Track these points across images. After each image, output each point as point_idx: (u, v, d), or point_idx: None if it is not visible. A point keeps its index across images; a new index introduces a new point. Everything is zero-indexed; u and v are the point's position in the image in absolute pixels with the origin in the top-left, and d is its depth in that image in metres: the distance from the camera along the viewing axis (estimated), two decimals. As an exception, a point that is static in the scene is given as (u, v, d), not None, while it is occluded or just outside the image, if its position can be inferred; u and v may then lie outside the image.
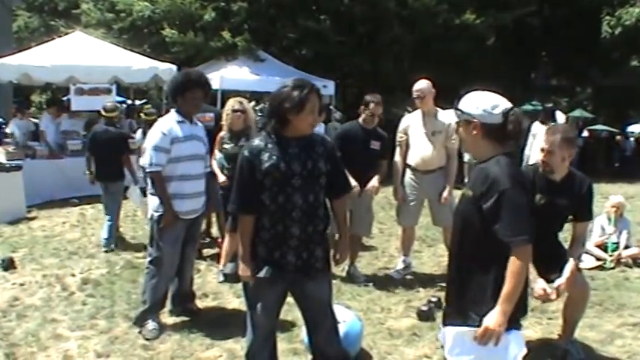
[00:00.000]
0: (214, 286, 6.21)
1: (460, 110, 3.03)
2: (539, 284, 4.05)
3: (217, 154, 6.41)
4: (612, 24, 18.59)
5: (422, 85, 6.22)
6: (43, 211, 9.84)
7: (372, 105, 6.27)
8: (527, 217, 2.86)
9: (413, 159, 6.30)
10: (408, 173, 6.37)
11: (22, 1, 29.44)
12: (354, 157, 5.74)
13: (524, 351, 2.97)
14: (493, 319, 2.82)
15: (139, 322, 5.00)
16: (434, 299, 5.44)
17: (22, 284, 6.20)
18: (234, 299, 5.74)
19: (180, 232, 4.99)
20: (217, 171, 6.32)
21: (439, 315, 4.79)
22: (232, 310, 5.47)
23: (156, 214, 4.91)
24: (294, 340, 4.67)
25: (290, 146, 3.47)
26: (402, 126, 6.46)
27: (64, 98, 14.52)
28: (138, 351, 4.65)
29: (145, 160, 4.97)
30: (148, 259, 5.09)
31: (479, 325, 2.86)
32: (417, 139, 6.22)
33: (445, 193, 6.24)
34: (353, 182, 5.81)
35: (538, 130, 10.76)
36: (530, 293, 3.68)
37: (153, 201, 4.95)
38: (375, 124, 6.35)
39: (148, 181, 5.02)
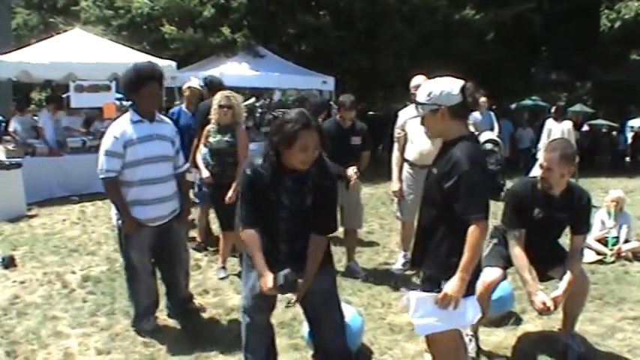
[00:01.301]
0: (215, 282, 6.21)
1: (423, 103, 3.21)
2: (539, 297, 4.09)
3: (202, 149, 6.34)
4: (611, 18, 18.57)
5: (419, 80, 6.20)
6: (44, 209, 9.84)
7: (342, 110, 6.43)
8: (483, 196, 3.12)
9: (411, 154, 6.29)
10: (407, 168, 6.37)
11: (21, -2, 29.42)
12: (337, 155, 5.81)
13: (479, 315, 3.31)
14: (452, 286, 3.10)
15: (135, 325, 4.97)
16: None
17: (22, 282, 6.20)
18: (234, 295, 5.74)
19: (146, 239, 4.74)
20: (201, 166, 6.27)
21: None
22: (233, 306, 5.46)
23: (119, 222, 4.69)
24: (294, 335, 4.68)
25: (284, 177, 3.46)
26: (399, 122, 6.45)
27: (64, 95, 14.53)
28: (139, 348, 4.66)
29: (98, 166, 4.60)
30: (124, 270, 5.03)
31: (439, 291, 3.14)
32: (414, 134, 6.21)
33: None
34: (350, 170, 5.90)
35: (552, 125, 10.86)
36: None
37: (114, 208, 4.72)
38: (353, 120, 6.45)
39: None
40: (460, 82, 3.21)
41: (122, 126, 4.58)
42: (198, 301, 5.52)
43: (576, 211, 4.30)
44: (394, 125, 6.57)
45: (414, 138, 6.21)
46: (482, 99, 11.82)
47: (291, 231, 3.57)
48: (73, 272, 6.49)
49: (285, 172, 3.44)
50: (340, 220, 6.33)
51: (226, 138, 6.14)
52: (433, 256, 3.25)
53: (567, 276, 4.20)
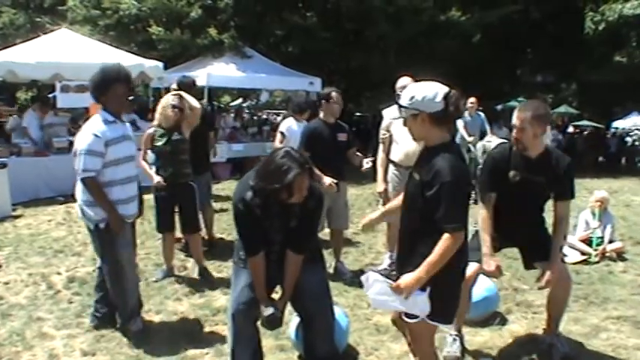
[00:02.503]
0: (201, 283, 6.20)
1: (405, 107, 3.23)
2: (493, 259, 4.24)
3: (150, 154, 6.20)
4: (596, 20, 18.71)
5: (404, 81, 6.21)
6: (29, 209, 9.79)
7: (334, 94, 6.35)
8: (462, 207, 3.19)
9: (396, 155, 6.30)
10: (392, 169, 6.37)
11: (7, -3, 29.25)
12: (326, 154, 5.89)
13: (427, 312, 3.28)
14: (407, 281, 3.21)
15: (123, 327, 4.91)
16: None
17: (6, 283, 6.17)
18: (220, 296, 5.74)
19: (129, 234, 4.80)
20: (150, 171, 6.12)
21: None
22: (219, 307, 5.46)
23: (101, 225, 4.60)
24: (280, 336, 4.67)
25: (273, 205, 3.57)
26: (384, 123, 6.45)
27: (50, 95, 14.45)
28: (124, 349, 4.64)
29: (77, 166, 4.52)
30: (105, 270, 4.82)
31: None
32: (399, 135, 6.22)
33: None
34: (327, 181, 5.91)
35: None
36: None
37: (89, 211, 4.61)
38: (337, 117, 6.45)
39: (79, 192, 4.65)
40: (444, 90, 3.20)
41: (100, 125, 4.54)
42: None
43: (555, 175, 4.24)
44: (379, 126, 6.59)
45: (399, 139, 6.22)
46: (472, 99, 11.86)
47: (283, 247, 3.75)
48: (59, 273, 6.46)
49: (273, 200, 3.52)
50: (327, 221, 6.36)
51: (174, 137, 6.03)
52: (414, 259, 3.26)
53: (555, 248, 4.24)
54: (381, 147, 6.48)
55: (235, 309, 3.77)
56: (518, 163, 4.28)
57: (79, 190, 4.64)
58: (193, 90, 7.14)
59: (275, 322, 3.68)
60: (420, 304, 3.27)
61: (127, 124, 4.92)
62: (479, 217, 4.38)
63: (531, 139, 4.17)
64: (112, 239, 4.63)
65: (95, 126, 4.55)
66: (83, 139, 4.53)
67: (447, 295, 3.34)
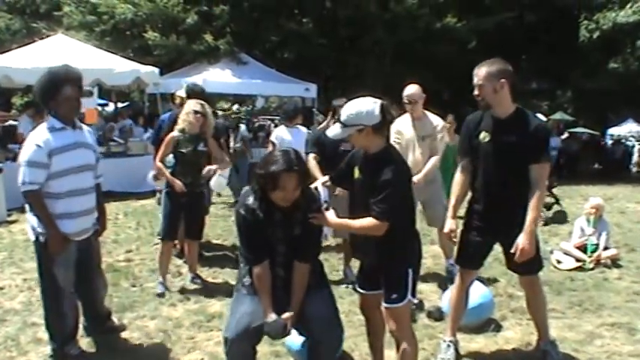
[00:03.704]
0: (196, 289, 6.20)
1: (350, 125, 3.53)
2: (452, 222, 4.44)
3: (170, 158, 6.06)
4: (590, 28, 18.79)
5: (412, 90, 6.22)
6: (24, 215, 9.71)
7: (340, 110, 6.30)
8: (394, 204, 3.48)
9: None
10: None
11: (3, 2, 29.26)
12: (328, 163, 5.84)
13: None
14: (323, 217, 3.67)
15: (57, 357, 4.53)
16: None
17: (1, 288, 6.16)
18: (215, 302, 5.74)
19: (72, 255, 4.39)
20: (170, 176, 5.99)
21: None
22: (214, 313, 5.46)
23: (42, 237, 4.26)
24: (275, 342, 4.67)
25: (275, 212, 3.58)
26: (394, 128, 6.33)
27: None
28: (119, 354, 4.64)
29: (19, 178, 4.16)
30: (42, 290, 4.51)
31: None
32: (407, 143, 6.24)
33: (415, 178, 6.17)
34: (320, 180, 5.93)
35: None
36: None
37: (33, 221, 4.30)
38: None
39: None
40: (379, 102, 3.55)
41: (44, 134, 4.18)
42: (114, 320, 5.14)
43: (527, 136, 4.10)
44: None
45: (406, 148, 6.24)
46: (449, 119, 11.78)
47: (287, 259, 3.71)
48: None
49: (275, 207, 3.54)
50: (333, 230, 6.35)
51: (200, 148, 6.04)
52: (368, 244, 3.76)
53: (530, 216, 4.10)
54: None
55: (231, 337, 3.63)
56: (489, 125, 4.26)
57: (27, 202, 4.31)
58: (202, 98, 7.16)
59: (279, 331, 3.61)
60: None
61: (85, 130, 4.56)
62: (453, 183, 4.55)
63: (491, 94, 4.14)
64: (50, 257, 4.30)
65: (39, 135, 4.19)
66: (25, 150, 4.21)
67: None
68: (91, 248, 4.65)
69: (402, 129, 6.37)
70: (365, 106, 3.52)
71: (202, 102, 6.21)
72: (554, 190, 10.57)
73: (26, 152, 4.18)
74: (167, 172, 6.02)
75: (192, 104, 6.10)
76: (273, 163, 3.41)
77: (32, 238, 4.38)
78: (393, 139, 6.36)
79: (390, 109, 3.61)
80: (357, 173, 3.76)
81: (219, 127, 7.81)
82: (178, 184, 5.93)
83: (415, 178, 6.14)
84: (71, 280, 4.46)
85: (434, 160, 6.36)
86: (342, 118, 3.58)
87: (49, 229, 4.20)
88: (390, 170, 3.46)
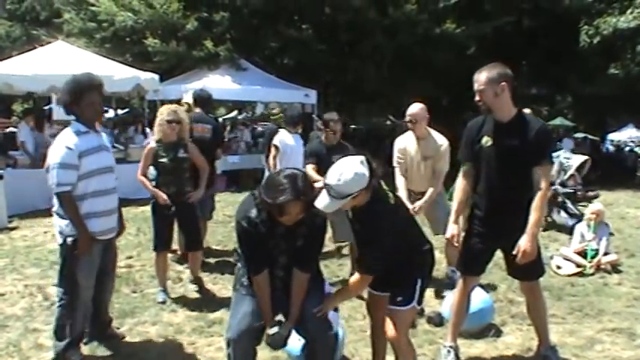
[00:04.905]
0: (196, 295, 6.21)
1: (344, 196, 3.38)
2: (455, 227, 4.51)
3: (151, 170, 6.04)
4: (590, 33, 18.78)
5: (415, 109, 6.17)
6: (25, 221, 9.79)
7: (331, 124, 6.46)
8: (381, 258, 3.56)
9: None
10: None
11: (4, 10, 29.32)
12: (322, 174, 5.88)
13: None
14: (325, 303, 3.75)
15: (61, 357, 4.55)
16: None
17: (3, 294, 6.16)
18: (216, 308, 5.74)
19: (96, 257, 4.55)
20: (154, 189, 5.96)
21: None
22: (214, 319, 5.47)
23: (69, 239, 4.38)
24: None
25: (278, 226, 3.54)
26: (398, 146, 6.39)
27: (46, 107, 14.45)
28: (121, 358, 4.66)
29: (51, 180, 4.33)
30: (61, 290, 4.55)
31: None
32: (410, 162, 6.22)
33: (417, 204, 6.20)
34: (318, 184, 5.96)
35: None
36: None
37: (62, 224, 4.41)
38: (338, 140, 6.51)
39: (55, 202, 4.43)
40: (364, 160, 3.46)
41: (72, 137, 4.38)
42: (114, 328, 5.16)
43: (529, 139, 4.11)
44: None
45: (409, 167, 6.24)
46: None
47: (288, 265, 3.72)
48: (55, 285, 6.44)
49: (279, 222, 3.49)
50: (332, 234, 6.38)
51: (180, 154, 5.97)
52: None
53: (532, 217, 4.13)
54: (397, 171, 6.38)
55: (233, 337, 3.66)
56: (491, 129, 4.27)
57: (56, 202, 4.45)
58: (209, 103, 7.17)
59: (279, 342, 3.64)
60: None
61: (103, 135, 4.77)
62: (456, 188, 4.56)
63: (492, 98, 4.14)
64: (76, 259, 4.42)
65: (67, 138, 4.38)
66: (56, 152, 4.37)
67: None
68: (111, 251, 4.85)
69: (407, 147, 6.33)
70: (353, 172, 3.37)
71: (175, 108, 6.14)
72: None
73: (57, 154, 4.34)
74: (150, 184, 5.99)
75: (165, 113, 5.98)
76: (279, 191, 3.30)
77: (59, 241, 4.48)
78: (396, 158, 6.38)
79: (372, 164, 3.49)
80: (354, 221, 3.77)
81: (270, 131, 7.89)
82: (162, 196, 5.88)
83: (417, 204, 6.16)
84: (92, 285, 4.58)
85: (435, 188, 6.28)
86: (332, 190, 3.38)
87: (79, 230, 4.35)
88: (384, 225, 3.52)
